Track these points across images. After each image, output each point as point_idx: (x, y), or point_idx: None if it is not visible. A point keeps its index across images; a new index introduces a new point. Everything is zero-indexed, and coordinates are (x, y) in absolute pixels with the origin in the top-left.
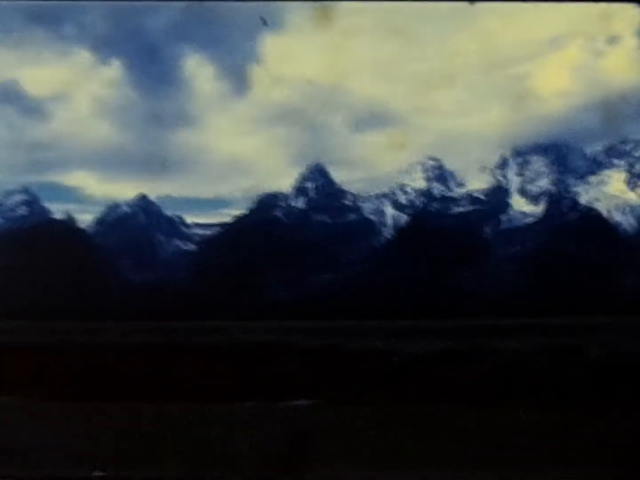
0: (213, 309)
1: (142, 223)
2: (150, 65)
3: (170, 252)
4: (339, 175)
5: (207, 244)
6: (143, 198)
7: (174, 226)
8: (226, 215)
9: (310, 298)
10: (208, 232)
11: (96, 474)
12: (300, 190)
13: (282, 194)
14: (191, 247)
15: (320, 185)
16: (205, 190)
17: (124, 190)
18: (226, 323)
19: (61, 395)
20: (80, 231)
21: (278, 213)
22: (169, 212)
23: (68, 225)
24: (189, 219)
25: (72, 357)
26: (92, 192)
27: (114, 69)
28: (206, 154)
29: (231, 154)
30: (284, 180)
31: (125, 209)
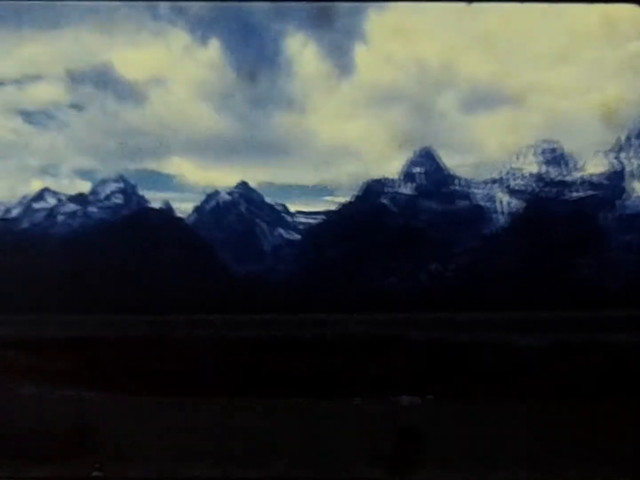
0: (318, 301)
1: (243, 212)
2: (251, 46)
3: (273, 242)
4: (448, 160)
5: (311, 233)
6: (244, 185)
7: (277, 215)
8: (331, 203)
9: (418, 289)
10: (312, 220)
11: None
12: (408, 175)
13: (389, 180)
14: (295, 236)
15: (429, 171)
16: (308, 177)
17: (224, 177)
18: (331, 315)
19: (161, 390)
20: (179, 221)
21: (385, 200)
22: (271, 200)
23: (166, 214)
24: (293, 207)
25: (172, 352)
26: (191, 179)
27: (212, 50)
28: (309, 138)
29: (336, 138)
30: (391, 165)
31: (225, 196)
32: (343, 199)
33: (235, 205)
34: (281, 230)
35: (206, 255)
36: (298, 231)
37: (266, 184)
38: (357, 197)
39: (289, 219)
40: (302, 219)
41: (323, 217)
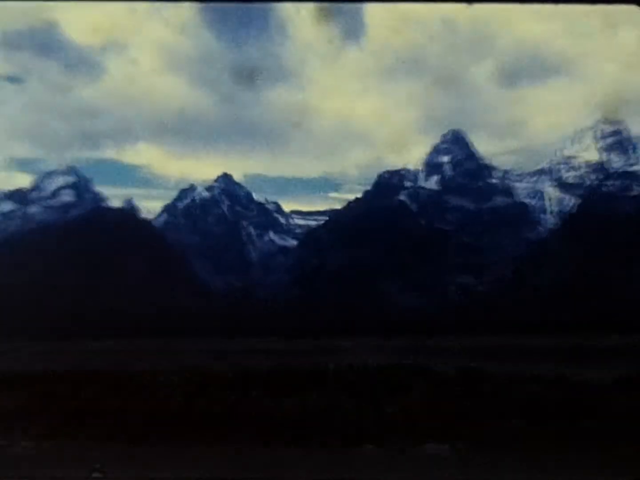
0: (318, 323)
1: (225, 212)
2: (233, 4)
3: (262, 249)
4: (483, 146)
5: (310, 238)
6: (226, 178)
7: (268, 215)
8: (335, 200)
9: (445, 308)
10: (312, 222)
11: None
12: (432, 165)
13: (408, 171)
14: (290, 242)
15: (458, 159)
16: (308, 168)
17: (201, 168)
18: (335, 341)
19: (119, 437)
20: (145, 223)
21: (403, 196)
22: (260, 197)
23: (128, 215)
24: (288, 206)
25: (133, 387)
26: (160, 171)
27: (185, 9)
28: (309, 119)
29: (341, 119)
30: (410, 152)
31: (203, 193)
32: (350, 195)
33: (216, 204)
34: (273, 235)
35: (178, 266)
36: (294, 236)
37: (254, 176)
38: (368, 193)
39: (282, 220)
40: (299, 221)
41: (325, 217)
